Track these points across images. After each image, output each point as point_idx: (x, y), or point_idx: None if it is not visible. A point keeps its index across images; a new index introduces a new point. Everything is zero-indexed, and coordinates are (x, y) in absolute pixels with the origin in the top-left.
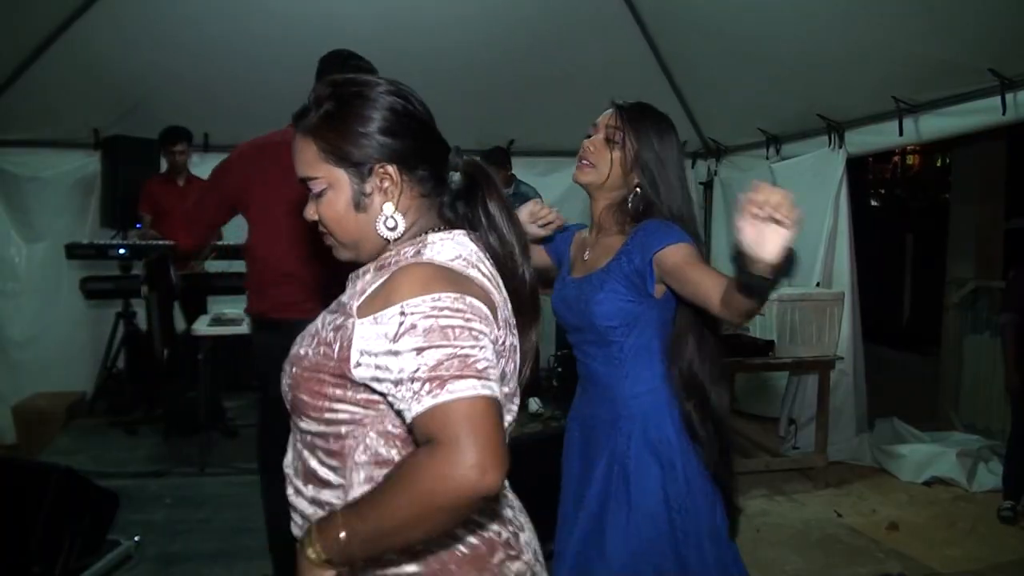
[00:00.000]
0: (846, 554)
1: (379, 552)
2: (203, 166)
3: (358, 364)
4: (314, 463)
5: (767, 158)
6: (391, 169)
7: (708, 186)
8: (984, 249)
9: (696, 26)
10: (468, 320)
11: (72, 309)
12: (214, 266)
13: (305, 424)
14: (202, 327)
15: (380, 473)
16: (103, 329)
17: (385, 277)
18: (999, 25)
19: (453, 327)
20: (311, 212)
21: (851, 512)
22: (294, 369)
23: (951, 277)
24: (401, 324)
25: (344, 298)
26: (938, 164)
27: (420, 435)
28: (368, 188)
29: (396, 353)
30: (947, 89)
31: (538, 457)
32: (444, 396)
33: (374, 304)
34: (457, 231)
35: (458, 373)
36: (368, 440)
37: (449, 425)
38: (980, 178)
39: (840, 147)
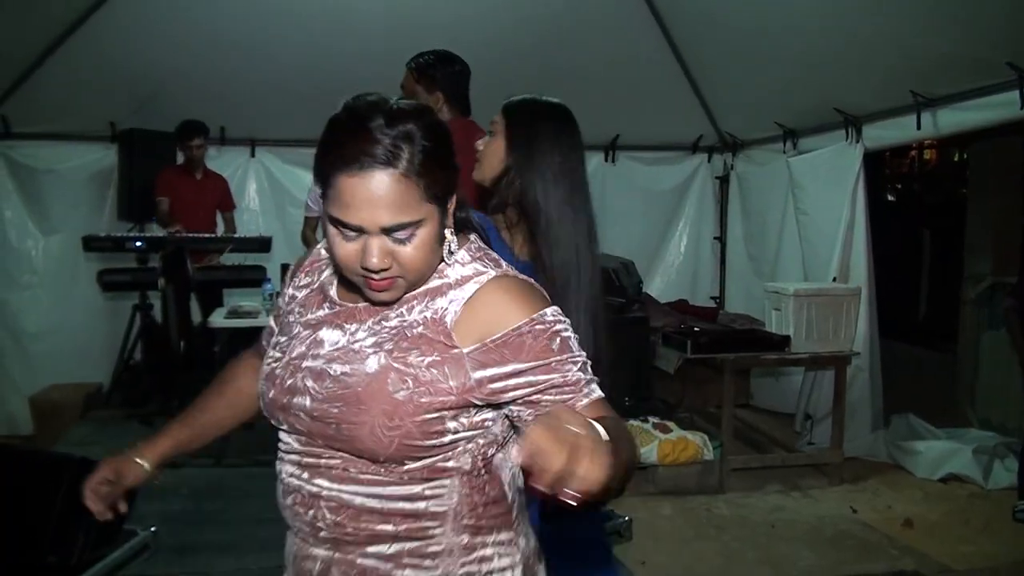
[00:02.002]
0: (860, 550)
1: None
2: (220, 159)
3: (490, 391)
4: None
5: (784, 152)
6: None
7: (724, 180)
8: (1001, 244)
9: (713, 19)
10: (573, 332)
11: (89, 301)
12: (230, 259)
13: (407, 465)
14: (218, 319)
15: (483, 472)
16: (120, 321)
17: (461, 300)
18: (1017, 18)
19: (571, 338)
20: (382, 259)
21: (866, 508)
22: (396, 421)
23: (968, 273)
24: (526, 345)
25: (416, 331)
26: (955, 159)
27: None
28: (446, 219)
29: (530, 370)
30: (965, 83)
31: None
32: (594, 395)
33: (474, 329)
34: (473, 236)
35: (590, 377)
36: (471, 446)
37: (603, 414)
38: (997, 173)
39: (857, 141)
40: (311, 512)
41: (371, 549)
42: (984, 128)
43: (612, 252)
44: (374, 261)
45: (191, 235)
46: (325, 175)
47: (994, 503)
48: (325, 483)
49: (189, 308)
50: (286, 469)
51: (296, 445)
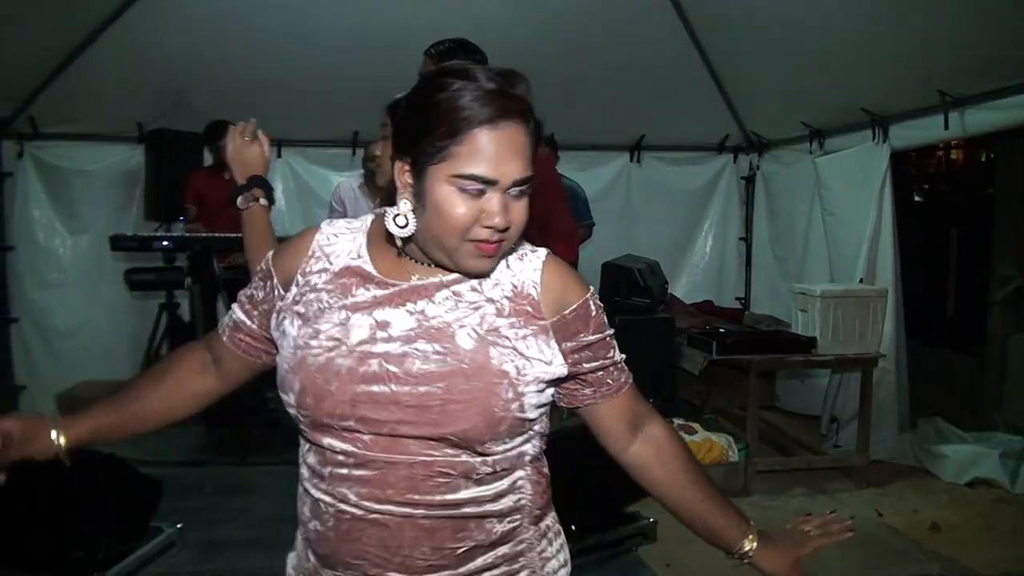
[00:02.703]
0: (886, 554)
1: None
2: None
3: (571, 361)
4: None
5: (810, 152)
6: None
7: (750, 180)
8: None
9: (739, 18)
10: None
11: (116, 300)
12: None
13: (503, 445)
14: None
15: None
16: (146, 320)
17: (533, 272)
18: None
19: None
20: (505, 217)
21: (892, 512)
22: (510, 393)
23: (995, 274)
24: (592, 318)
25: (501, 303)
26: (983, 159)
27: (618, 411)
28: None
29: (596, 343)
30: (993, 82)
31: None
32: (631, 375)
33: (551, 302)
34: None
35: (622, 355)
36: (539, 427)
37: (643, 399)
38: None
39: (884, 141)
40: (399, 535)
41: (468, 567)
42: (1012, 128)
43: (637, 252)
44: (498, 220)
45: (217, 235)
46: (454, 131)
47: (1021, 507)
48: (415, 497)
49: (216, 307)
50: (350, 494)
51: (367, 453)
